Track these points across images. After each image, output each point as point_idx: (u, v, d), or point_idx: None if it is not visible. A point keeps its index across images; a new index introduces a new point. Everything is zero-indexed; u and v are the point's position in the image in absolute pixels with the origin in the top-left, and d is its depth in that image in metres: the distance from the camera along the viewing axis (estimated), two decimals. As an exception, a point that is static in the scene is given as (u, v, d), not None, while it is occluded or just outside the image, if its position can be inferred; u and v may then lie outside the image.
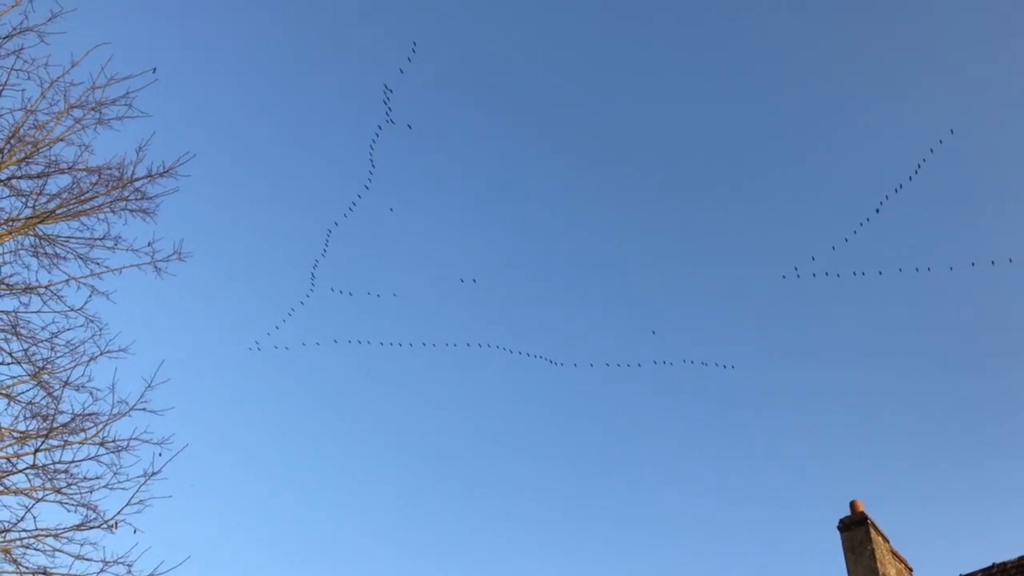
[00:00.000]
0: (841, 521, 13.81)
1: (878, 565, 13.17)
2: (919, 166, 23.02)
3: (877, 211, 23.54)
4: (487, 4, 48.20)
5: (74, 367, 8.80)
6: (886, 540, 13.82)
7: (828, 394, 46.03)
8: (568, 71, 49.45)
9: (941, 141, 23.48)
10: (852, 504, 13.92)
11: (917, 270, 24.88)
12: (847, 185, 45.30)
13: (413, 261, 45.74)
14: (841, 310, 45.76)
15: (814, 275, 23.89)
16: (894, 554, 13.92)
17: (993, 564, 12.93)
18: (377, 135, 23.68)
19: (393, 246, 46.34)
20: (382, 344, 29.91)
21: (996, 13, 46.47)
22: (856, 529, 13.63)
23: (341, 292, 26.80)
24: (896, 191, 23.34)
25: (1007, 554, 12.93)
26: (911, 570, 14.38)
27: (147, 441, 8.52)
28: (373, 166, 24.32)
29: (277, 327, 25.65)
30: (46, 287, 9.06)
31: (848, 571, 13.45)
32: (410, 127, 23.92)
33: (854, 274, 24.17)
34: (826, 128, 48.02)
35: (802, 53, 48.73)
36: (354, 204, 24.55)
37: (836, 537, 13.80)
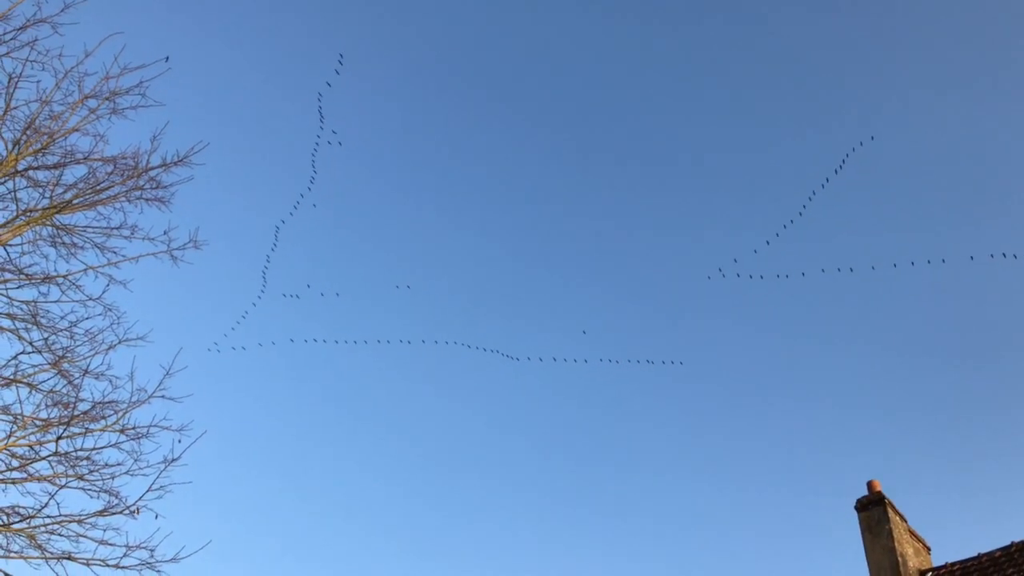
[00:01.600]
0: (858, 501, 13.79)
1: (896, 544, 13.15)
2: (841, 165, 23.29)
3: (800, 214, 24.11)
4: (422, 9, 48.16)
5: (93, 355, 8.92)
6: (903, 519, 13.78)
7: (831, 381, 45.91)
8: (506, 75, 49.90)
9: (862, 143, 23.81)
10: (869, 484, 13.89)
11: (839, 270, 24.71)
12: (769, 190, 45.78)
13: (356, 262, 46.07)
14: (773, 308, 45.96)
15: (738, 276, 24.13)
16: (912, 533, 13.89)
17: (1012, 543, 12.88)
18: (318, 142, 23.61)
19: (336, 247, 46.66)
20: (337, 343, 29.94)
21: (919, 14, 46.54)
22: (873, 509, 13.60)
23: (290, 296, 26.68)
24: (814, 194, 23.47)
25: (1025, 533, 12.88)
26: (929, 549, 14.34)
27: (166, 428, 8.63)
28: (315, 172, 24.29)
29: (233, 328, 25.68)
30: (64, 276, 9.15)
31: (866, 550, 13.44)
32: (339, 143, 23.74)
33: (777, 276, 24.59)
34: (750, 132, 48.30)
35: (728, 57, 48.73)
36: (297, 204, 24.49)
37: (854, 517, 13.79)
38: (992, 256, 22.48)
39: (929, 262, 23.30)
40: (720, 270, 24.60)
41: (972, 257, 23.33)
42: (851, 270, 24.48)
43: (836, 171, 23.39)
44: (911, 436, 44.11)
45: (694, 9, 49.88)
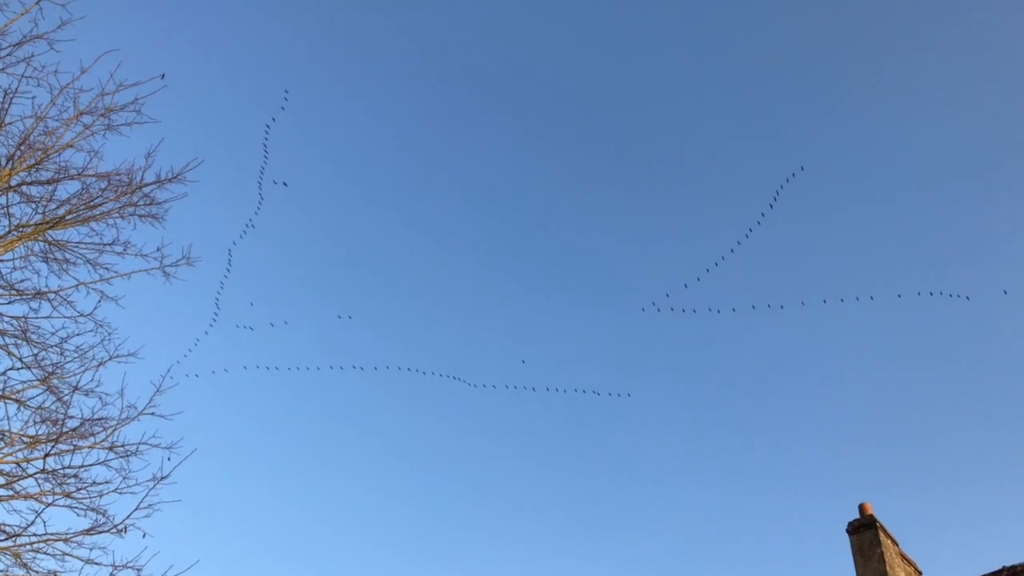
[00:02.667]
0: (850, 524, 13.76)
1: (887, 568, 13.11)
2: (775, 198, 23.91)
3: (732, 251, 24.66)
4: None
5: (83, 372, 8.86)
6: (895, 543, 13.76)
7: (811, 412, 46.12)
8: (450, 109, 51.23)
9: (794, 173, 24.54)
10: (861, 507, 13.87)
11: (769, 306, 25.35)
12: (704, 224, 46.51)
13: (303, 291, 46.33)
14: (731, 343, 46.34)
15: (672, 309, 24.53)
16: (903, 557, 13.86)
17: (1003, 567, 12.86)
18: (264, 163, 23.68)
19: (283, 276, 46.93)
20: (289, 369, 30.04)
21: (846, 49, 47.88)
22: (865, 532, 13.58)
23: (243, 327, 26.62)
24: (750, 231, 24.13)
25: (1018, 557, 12.87)
26: (920, 573, 14.31)
27: (156, 445, 8.57)
28: (262, 198, 24.37)
29: (185, 355, 25.62)
30: (56, 292, 9.11)
31: (857, 574, 13.40)
32: (284, 183, 23.84)
33: (709, 310, 24.99)
34: (684, 170, 49.10)
35: (662, 92, 49.63)
36: (247, 227, 24.52)
37: (845, 540, 13.76)
38: (919, 294, 23.47)
39: (858, 299, 24.03)
40: (654, 303, 24.94)
41: (900, 295, 24.22)
42: (781, 307, 25.32)
43: (771, 205, 24.01)
44: (903, 459, 44.19)
45: (624, 59, 50.32)
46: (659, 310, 24.49)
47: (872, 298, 24.27)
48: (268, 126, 23.28)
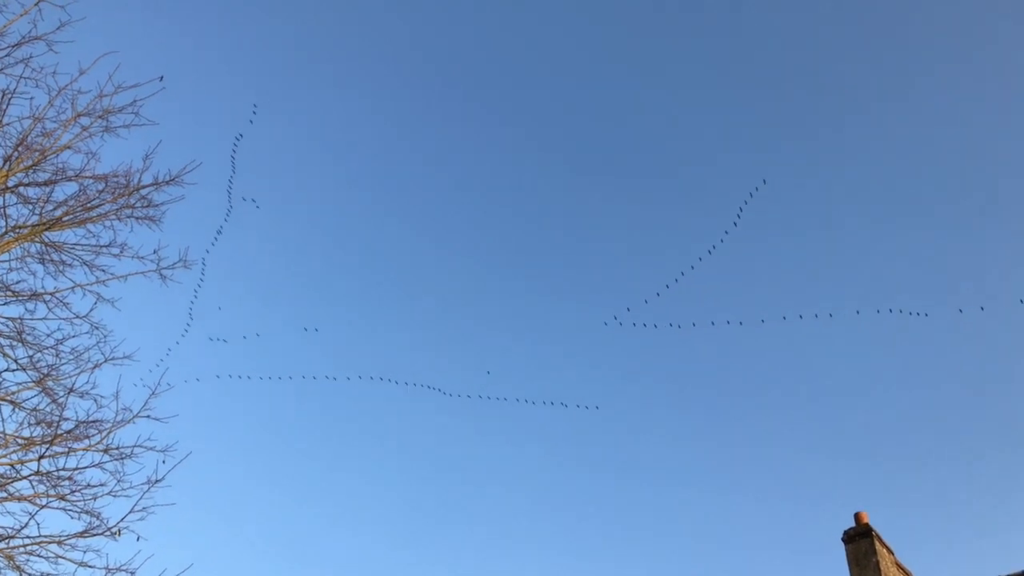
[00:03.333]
0: (846, 533, 13.74)
1: (883, 577, 13.09)
2: (738, 215, 24.29)
3: (692, 267, 24.98)
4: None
5: (79, 374, 8.83)
6: (891, 552, 13.74)
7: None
8: (412, 126, 51.41)
9: (757, 188, 24.88)
10: (857, 516, 13.85)
11: (728, 323, 25.58)
12: (667, 239, 47.75)
13: (274, 302, 46.43)
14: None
15: (634, 324, 24.83)
16: (899, 566, 13.84)
17: (998, 577, 12.86)
18: (232, 175, 23.68)
19: (255, 287, 47.01)
20: (261, 378, 30.08)
21: (805, 64, 48.52)
22: (861, 541, 13.56)
23: (217, 340, 26.56)
24: (713, 247, 24.51)
25: (1011, 567, 12.86)
26: (916, 582, 14.29)
27: (151, 448, 8.54)
28: (231, 206, 24.34)
29: (157, 364, 25.55)
30: (52, 294, 9.09)
31: (852, 583, 13.37)
32: (255, 203, 23.80)
33: (670, 325, 25.23)
34: (650, 184, 49.52)
35: (628, 106, 50.08)
36: (217, 236, 24.50)
37: (841, 549, 13.74)
38: (878, 311, 23.65)
39: (816, 316, 24.36)
40: (616, 317, 24.98)
41: (858, 312, 24.42)
42: (740, 323, 25.49)
43: (735, 223, 24.34)
44: (897, 469, 44.24)
45: (578, 79, 51.05)
46: (621, 324, 24.68)
47: (831, 315, 24.58)
48: (236, 140, 23.26)
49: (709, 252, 24.60)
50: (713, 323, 25.53)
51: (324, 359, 43.14)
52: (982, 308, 25.41)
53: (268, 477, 47.00)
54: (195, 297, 24.14)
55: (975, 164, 46.17)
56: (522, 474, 47.42)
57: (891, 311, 23.06)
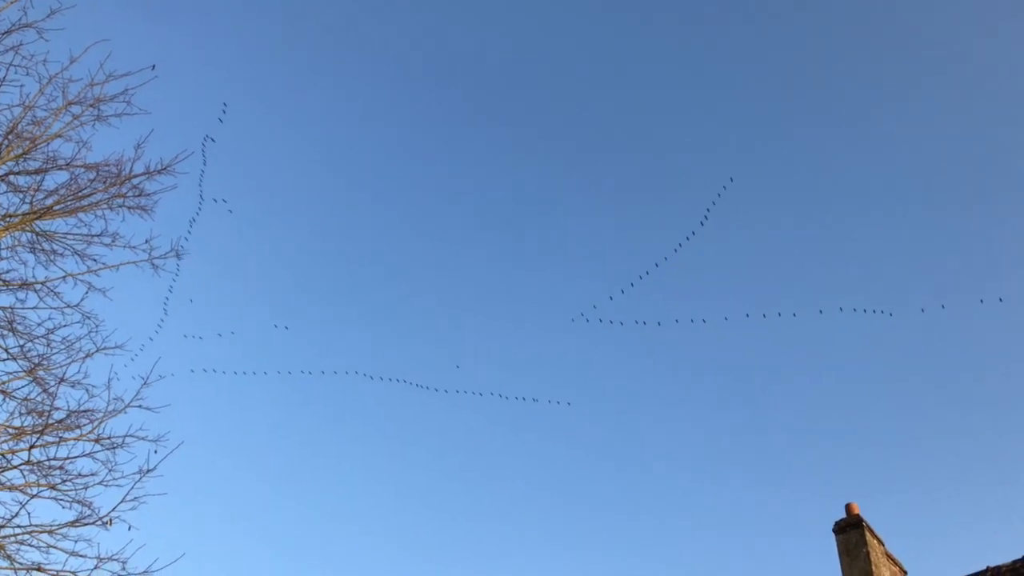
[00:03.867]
0: (836, 523, 13.81)
1: (873, 568, 13.17)
2: (706, 215, 25.00)
3: (657, 265, 25.12)
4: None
5: (70, 363, 8.81)
6: (881, 543, 13.82)
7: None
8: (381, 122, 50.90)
9: (724, 187, 25.47)
10: (847, 507, 13.92)
11: (692, 321, 25.95)
12: (632, 238, 47.81)
13: (242, 300, 46.44)
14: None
15: (600, 321, 24.96)
16: (889, 557, 13.92)
17: (987, 567, 12.93)
18: (203, 173, 23.56)
19: (227, 283, 47.00)
20: (236, 373, 30.03)
21: (768, 65, 49.09)
22: (851, 532, 13.63)
23: (192, 337, 26.49)
24: (679, 246, 24.90)
25: (1002, 557, 12.94)
26: (906, 573, 14.38)
27: (142, 438, 8.52)
28: (201, 203, 24.22)
29: (133, 359, 25.46)
30: (43, 283, 9.06)
31: (843, 574, 13.44)
32: (229, 208, 23.67)
33: (636, 322, 25.46)
34: (618, 181, 50.20)
35: (596, 106, 50.47)
36: (188, 233, 24.35)
37: (831, 539, 13.81)
38: (841, 309, 23.99)
39: (780, 315, 24.55)
40: (583, 314, 25.35)
41: (821, 311, 24.74)
42: (704, 321, 25.90)
43: (702, 222, 24.66)
44: (889, 459, 44.49)
45: (545, 74, 51.20)
46: (588, 321, 24.86)
47: (795, 315, 24.93)
48: (205, 141, 23.13)
49: (675, 251, 24.88)
50: (677, 321, 26.00)
51: (298, 354, 43.27)
52: (943, 306, 25.83)
53: (257, 469, 47.05)
54: (170, 292, 23.98)
55: (940, 164, 46.73)
56: (503, 469, 47.66)
57: (855, 310, 23.40)
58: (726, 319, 26.36)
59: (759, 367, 46.90)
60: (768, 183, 47.45)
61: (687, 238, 24.58)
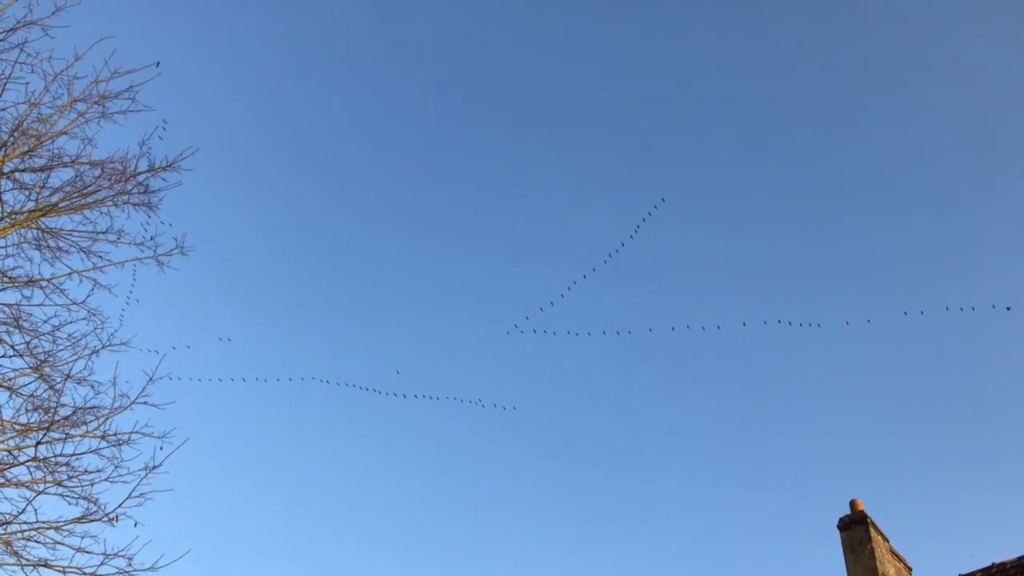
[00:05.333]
0: (841, 520, 13.81)
1: (877, 564, 13.17)
2: (636, 228, 24.84)
3: (585, 276, 25.31)
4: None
5: (76, 360, 8.84)
6: (886, 539, 13.82)
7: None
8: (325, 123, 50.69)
9: (656, 206, 25.40)
10: (852, 503, 13.92)
11: (618, 333, 26.65)
12: (563, 249, 47.65)
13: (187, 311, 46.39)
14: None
15: (534, 331, 25.53)
16: (893, 553, 13.92)
17: (992, 564, 12.92)
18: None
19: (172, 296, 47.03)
20: (190, 379, 30.33)
21: (706, 75, 48.73)
22: (856, 528, 13.62)
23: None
24: (609, 256, 25.75)
25: (1006, 554, 12.94)
26: (910, 569, 14.38)
27: (148, 435, 8.55)
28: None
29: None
30: (48, 280, 9.08)
31: (847, 570, 13.44)
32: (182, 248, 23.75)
33: (568, 333, 26.07)
34: (542, 196, 50.33)
35: (524, 117, 50.52)
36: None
37: (836, 536, 13.81)
38: (765, 323, 24.65)
39: (704, 328, 25.08)
40: (517, 325, 25.92)
41: (745, 323, 25.20)
42: (629, 333, 26.51)
43: (631, 236, 25.43)
44: (895, 454, 44.47)
45: (472, 79, 51.02)
46: (522, 332, 25.53)
47: (719, 327, 25.60)
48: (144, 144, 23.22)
49: (604, 262, 25.51)
50: (604, 332, 26.49)
51: (248, 363, 43.56)
52: (868, 321, 26.26)
53: (259, 467, 47.16)
54: (126, 305, 24.16)
55: (870, 175, 47.04)
56: (456, 468, 47.96)
57: (779, 322, 24.02)
58: (650, 330, 27.21)
59: (687, 376, 47.69)
60: (700, 196, 48.13)
61: (616, 249, 25.22)
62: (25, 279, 8.99)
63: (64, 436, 8.25)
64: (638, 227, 24.51)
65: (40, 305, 9.02)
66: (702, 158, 47.83)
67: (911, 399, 45.76)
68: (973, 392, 44.91)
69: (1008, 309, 20.48)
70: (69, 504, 8.23)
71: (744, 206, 47.85)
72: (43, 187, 9.02)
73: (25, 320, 8.91)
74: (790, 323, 23.58)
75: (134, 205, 9.42)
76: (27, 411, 8.47)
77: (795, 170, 48.00)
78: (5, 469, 8.05)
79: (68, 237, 9.22)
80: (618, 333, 26.35)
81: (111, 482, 8.28)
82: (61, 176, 9.19)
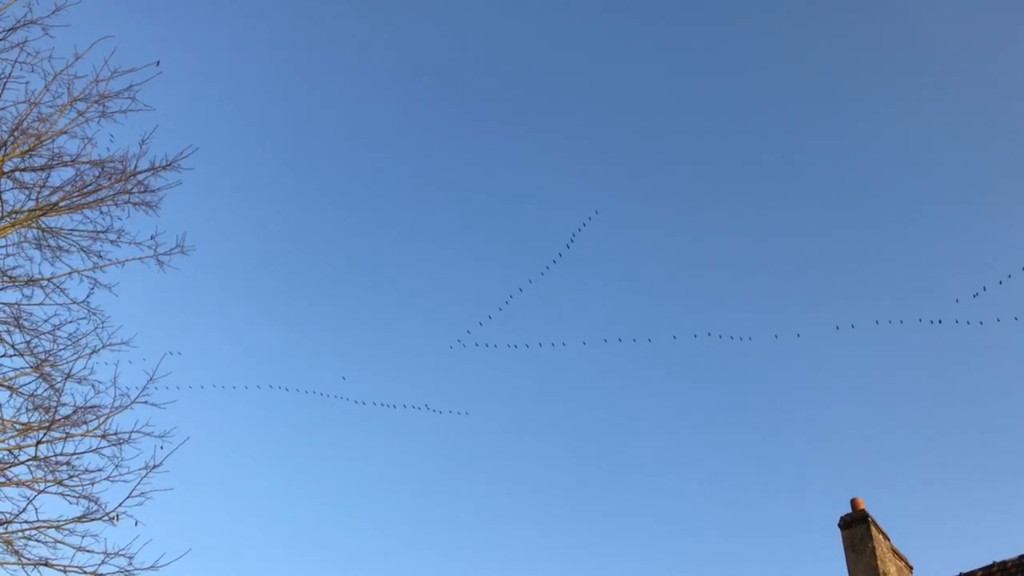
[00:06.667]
0: (842, 519, 13.80)
1: (878, 563, 13.16)
2: (570, 241, 25.58)
3: (521, 290, 26.09)
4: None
5: (76, 360, 8.83)
6: (887, 538, 13.80)
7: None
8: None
9: (590, 217, 26.34)
10: (853, 502, 13.91)
11: (553, 344, 27.92)
12: (500, 264, 48.82)
13: None
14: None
15: (476, 344, 26.33)
16: (895, 552, 13.91)
17: (994, 563, 12.91)
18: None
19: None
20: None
21: (629, 95, 49.72)
22: (857, 527, 13.61)
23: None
24: (547, 268, 26.63)
25: (1008, 552, 12.93)
26: (911, 568, 14.37)
27: (148, 434, 8.56)
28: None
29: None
30: (49, 279, 9.08)
31: (848, 569, 13.44)
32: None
33: (508, 346, 26.90)
34: (482, 210, 51.03)
35: (467, 130, 51.24)
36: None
37: (837, 535, 13.80)
38: (695, 336, 25.42)
39: (635, 340, 26.44)
40: (460, 340, 26.63)
41: (675, 336, 27.05)
42: (563, 344, 27.83)
43: (568, 246, 26.01)
44: (896, 453, 44.44)
45: (430, 92, 51.45)
46: (464, 346, 26.28)
47: (649, 340, 26.72)
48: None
49: (541, 274, 26.09)
50: (540, 344, 27.67)
51: (249, 365, 43.86)
52: (798, 335, 27.09)
53: (261, 465, 47.22)
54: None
55: (798, 189, 47.36)
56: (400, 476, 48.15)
57: (709, 335, 24.84)
58: (584, 343, 28.54)
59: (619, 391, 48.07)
60: (634, 208, 48.77)
61: (554, 260, 25.75)
62: (25, 278, 8.99)
63: (64, 435, 8.25)
64: (573, 238, 25.10)
65: (40, 304, 9.02)
66: (634, 169, 48.57)
67: (912, 398, 45.77)
68: (974, 390, 44.92)
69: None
70: (70, 503, 8.24)
71: (677, 216, 49.10)
72: (43, 186, 9.03)
73: (25, 319, 8.92)
74: (720, 336, 24.36)
75: (134, 204, 9.42)
76: (28, 410, 8.48)
77: (734, 179, 48.82)
78: (6, 468, 8.06)
79: (68, 236, 9.23)
80: (553, 344, 27.74)
81: (112, 481, 8.28)
82: (61, 175, 9.19)
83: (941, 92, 46.46)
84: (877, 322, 24.59)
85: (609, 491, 46.28)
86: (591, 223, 25.72)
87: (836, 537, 13.78)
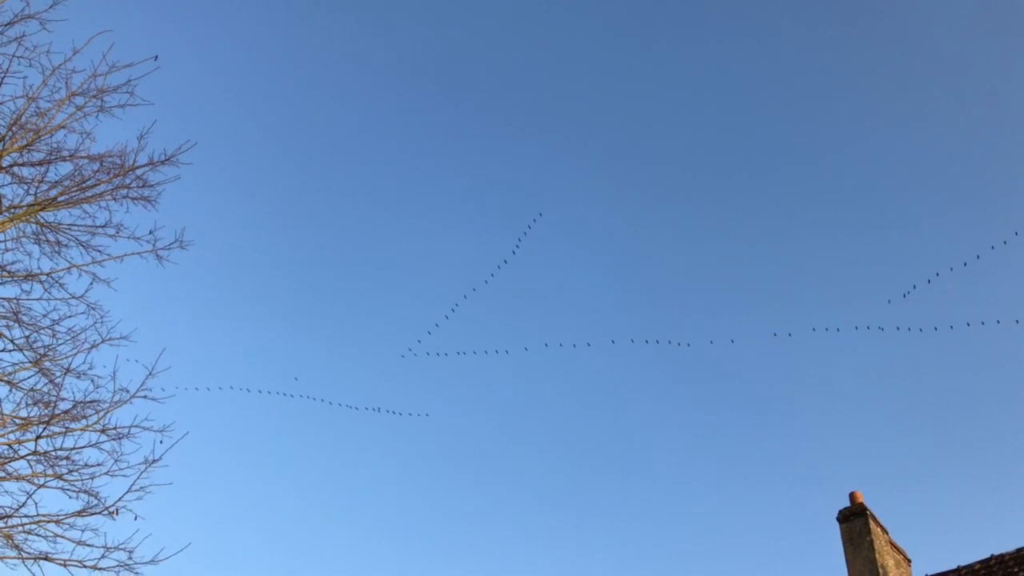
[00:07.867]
0: (840, 512, 13.84)
1: (876, 556, 13.20)
2: (517, 245, 26.01)
3: (466, 297, 26.73)
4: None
5: (75, 354, 8.83)
6: (885, 531, 13.85)
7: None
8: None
9: (535, 219, 26.50)
10: (851, 495, 13.95)
11: (497, 352, 28.55)
12: (446, 272, 49.24)
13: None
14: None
15: (428, 354, 26.77)
16: (892, 545, 13.95)
17: (992, 556, 12.95)
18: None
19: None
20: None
21: (580, 99, 50.39)
22: (855, 520, 13.66)
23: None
24: (492, 275, 27.47)
25: (1006, 546, 12.97)
26: (909, 561, 14.41)
27: (148, 428, 8.55)
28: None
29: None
30: (48, 274, 9.08)
31: (847, 562, 13.48)
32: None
33: (458, 353, 27.48)
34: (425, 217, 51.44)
35: (408, 140, 51.54)
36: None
37: (835, 528, 13.84)
38: (632, 340, 26.35)
39: (575, 345, 27.08)
40: (411, 349, 27.06)
41: (613, 341, 27.57)
42: (507, 352, 28.25)
43: (513, 251, 26.32)
44: (894, 448, 44.52)
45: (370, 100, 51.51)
46: (416, 355, 26.68)
47: (589, 344, 27.21)
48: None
49: (486, 282, 26.41)
50: (486, 352, 28.07)
51: (246, 365, 44.01)
52: (732, 341, 27.85)
53: (260, 461, 47.32)
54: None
55: (743, 200, 47.59)
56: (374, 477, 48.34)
57: (647, 342, 25.60)
58: (526, 350, 29.38)
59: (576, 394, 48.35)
60: (572, 217, 49.04)
61: (499, 267, 26.01)
62: (24, 273, 8.99)
63: (64, 430, 8.26)
64: (519, 243, 25.28)
65: (39, 299, 9.02)
66: (575, 173, 48.75)
67: (910, 393, 45.84)
68: (971, 386, 44.99)
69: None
70: (69, 498, 8.24)
71: (618, 223, 49.54)
72: (42, 181, 9.02)
73: (24, 314, 8.92)
74: (657, 342, 24.95)
75: (133, 199, 9.42)
76: (27, 405, 8.49)
77: (675, 184, 49.01)
78: (5, 463, 8.07)
79: (67, 231, 9.22)
80: (497, 352, 28.41)
81: (111, 476, 8.29)
82: (60, 170, 9.18)
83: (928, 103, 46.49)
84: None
85: (608, 491, 46.45)
86: (535, 224, 25.92)
87: (835, 530, 13.83)
